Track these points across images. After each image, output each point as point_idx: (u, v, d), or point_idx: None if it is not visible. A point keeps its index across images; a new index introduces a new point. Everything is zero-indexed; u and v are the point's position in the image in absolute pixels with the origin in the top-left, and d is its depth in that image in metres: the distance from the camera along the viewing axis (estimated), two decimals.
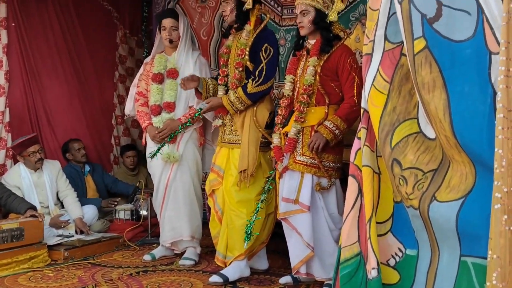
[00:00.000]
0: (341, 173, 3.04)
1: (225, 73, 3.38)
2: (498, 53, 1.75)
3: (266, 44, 3.19)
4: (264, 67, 3.18)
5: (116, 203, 4.50)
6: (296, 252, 2.99)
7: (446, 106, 1.89)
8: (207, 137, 3.77)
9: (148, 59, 3.85)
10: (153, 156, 3.45)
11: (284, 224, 3.02)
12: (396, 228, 2.22)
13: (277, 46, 3.29)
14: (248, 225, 3.04)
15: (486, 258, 1.70)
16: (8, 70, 4.18)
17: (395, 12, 2.09)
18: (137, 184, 4.64)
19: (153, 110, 3.63)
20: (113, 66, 5.23)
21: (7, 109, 4.15)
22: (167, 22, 3.62)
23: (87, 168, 4.64)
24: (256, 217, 3.06)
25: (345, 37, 3.03)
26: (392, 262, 2.22)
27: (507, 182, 1.63)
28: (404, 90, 2.15)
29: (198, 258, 3.66)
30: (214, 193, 3.36)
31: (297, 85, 3.06)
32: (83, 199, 4.33)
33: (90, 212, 4.24)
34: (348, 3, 4.41)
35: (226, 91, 3.34)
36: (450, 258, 1.99)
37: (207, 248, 3.89)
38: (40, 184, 4.05)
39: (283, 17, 4.74)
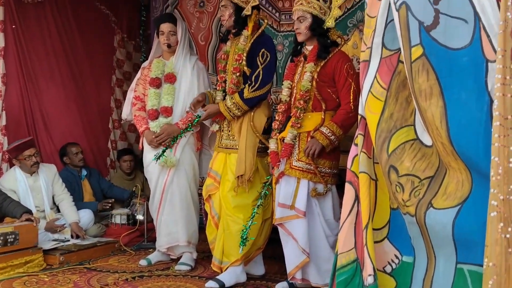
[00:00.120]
0: (338, 179, 3.05)
1: (223, 78, 3.39)
2: (494, 61, 1.76)
3: (263, 49, 3.20)
4: (261, 72, 3.19)
5: (109, 204, 4.49)
6: (292, 258, 2.98)
7: (443, 113, 1.90)
8: (204, 141, 3.77)
9: (145, 64, 3.85)
10: (158, 159, 3.42)
11: (280, 229, 3.02)
12: (393, 235, 2.22)
13: (274, 51, 3.30)
14: (244, 230, 3.03)
15: (482, 266, 1.70)
16: (5, 73, 4.17)
17: (392, 19, 2.10)
18: (134, 189, 4.63)
19: (150, 114, 3.63)
20: (111, 70, 5.23)
21: (4, 112, 4.14)
22: (165, 27, 3.62)
23: (84, 172, 4.63)
24: (252, 222, 3.06)
25: (342, 43, 3.04)
26: (388, 269, 2.22)
27: (503, 190, 1.63)
28: (401, 97, 2.16)
29: (194, 264, 3.65)
30: (211, 198, 3.36)
31: (295, 91, 3.06)
32: (79, 203, 4.32)
33: (86, 216, 4.23)
34: (346, 10, 4.42)
35: (224, 97, 3.35)
36: (446, 265, 1.99)
37: (204, 254, 3.88)
38: (36, 188, 4.04)
39: (281, 22, 4.76)
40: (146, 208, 4.25)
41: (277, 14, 4.77)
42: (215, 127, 3.40)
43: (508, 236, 1.62)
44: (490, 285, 1.63)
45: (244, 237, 3.03)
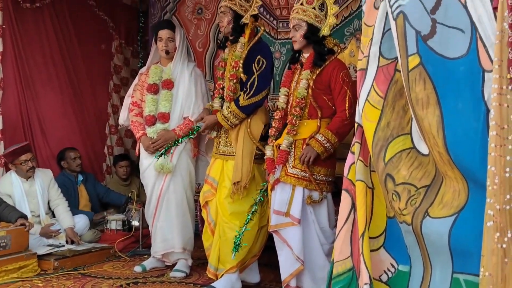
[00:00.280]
0: (333, 187, 3.05)
1: (221, 85, 3.40)
2: (491, 71, 1.77)
3: (259, 56, 3.21)
4: (256, 79, 3.20)
5: (104, 218, 4.47)
6: (286, 265, 2.97)
7: (439, 122, 1.91)
8: (201, 148, 3.76)
9: (143, 70, 3.85)
10: (160, 156, 3.47)
11: (275, 237, 3.01)
12: (389, 244, 2.22)
13: (271, 58, 3.31)
14: (237, 236, 3.03)
15: (478, 275, 1.70)
16: (2, 78, 4.16)
17: (390, 29, 2.11)
18: (130, 195, 4.61)
19: (147, 120, 3.62)
20: (108, 76, 5.23)
21: (0, 116, 4.12)
22: (163, 33, 3.63)
23: (80, 177, 4.62)
24: (245, 229, 3.05)
25: (339, 51, 3.05)
26: (384, 277, 2.21)
27: (500, 199, 1.64)
28: (398, 105, 2.16)
29: (189, 270, 3.63)
30: (208, 205, 3.35)
31: (291, 98, 3.07)
32: (75, 211, 4.30)
33: (81, 222, 4.21)
34: (343, 18, 4.45)
35: (222, 104, 3.35)
36: (442, 275, 1.99)
37: (199, 260, 3.86)
38: (32, 193, 4.02)
39: (278, 30, 4.78)
40: (141, 214, 4.23)
41: (274, 22, 4.79)
42: (213, 133, 3.40)
43: (504, 246, 1.62)
44: None
45: (237, 243, 3.02)
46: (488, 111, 1.79)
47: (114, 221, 4.40)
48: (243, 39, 3.25)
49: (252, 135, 3.24)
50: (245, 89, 3.21)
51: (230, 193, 3.19)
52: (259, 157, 3.24)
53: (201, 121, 3.43)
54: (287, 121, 3.04)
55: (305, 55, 3.06)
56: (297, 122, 2.97)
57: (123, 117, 3.84)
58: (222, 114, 3.25)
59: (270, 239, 3.25)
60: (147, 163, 3.60)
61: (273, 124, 3.14)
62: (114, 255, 4.10)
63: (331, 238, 2.92)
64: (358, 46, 4.12)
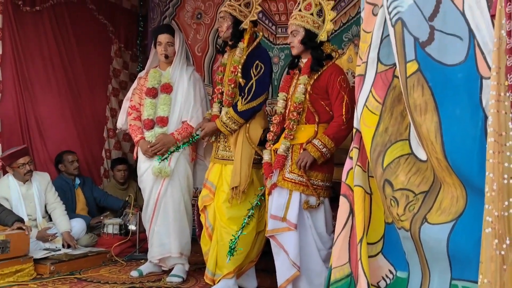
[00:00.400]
0: (331, 192, 3.04)
1: (220, 90, 3.40)
2: (489, 77, 1.78)
3: (258, 61, 3.22)
4: (254, 83, 3.20)
5: (101, 223, 4.45)
6: (283, 271, 2.96)
7: (437, 128, 1.91)
8: (199, 152, 3.76)
9: (142, 74, 3.85)
10: (163, 160, 3.49)
11: (272, 241, 3.01)
12: (387, 250, 2.22)
13: (269, 63, 3.31)
14: (233, 240, 3.02)
15: (476, 282, 1.69)
16: (1, 81, 4.16)
17: (388, 35, 2.12)
18: (127, 199, 4.60)
19: (146, 124, 3.62)
20: (107, 79, 5.22)
21: None
22: (163, 38, 3.64)
23: (78, 181, 4.60)
24: (241, 233, 3.04)
25: (336, 56, 3.06)
26: (382, 284, 2.21)
27: (498, 206, 1.64)
28: (396, 111, 2.17)
29: (186, 275, 3.62)
30: (206, 209, 3.34)
31: (289, 103, 3.08)
32: (72, 215, 4.28)
33: (78, 226, 4.19)
34: (341, 24, 4.47)
35: (221, 108, 3.36)
36: (441, 281, 1.99)
37: (196, 265, 3.85)
38: (29, 196, 4.01)
39: (277, 35, 4.79)
40: (138, 218, 4.22)
41: (273, 27, 4.81)
42: (212, 138, 3.40)
43: (503, 252, 1.62)
44: None
45: (233, 246, 3.01)
46: (486, 117, 1.79)
47: (111, 225, 4.38)
48: (242, 44, 3.26)
49: (251, 139, 3.24)
50: (243, 94, 3.22)
51: (228, 197, 3.19)
52: (258, 162, 3.24)
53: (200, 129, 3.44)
54: (285, 125, 3.05)
55: (303, 61, 3.07)
56: (295, 126, 2.97)
57: (121, 120, 3.84)
58: (221, 121, 3.25)
59: (267, 244, 3.24)
60: (145, 167, 3.59)
61: (271, 129, 3.14)
62: (110, 259, 4.08)
63: (328, 243, 2.92)
64: (356, 52, 4.13)
